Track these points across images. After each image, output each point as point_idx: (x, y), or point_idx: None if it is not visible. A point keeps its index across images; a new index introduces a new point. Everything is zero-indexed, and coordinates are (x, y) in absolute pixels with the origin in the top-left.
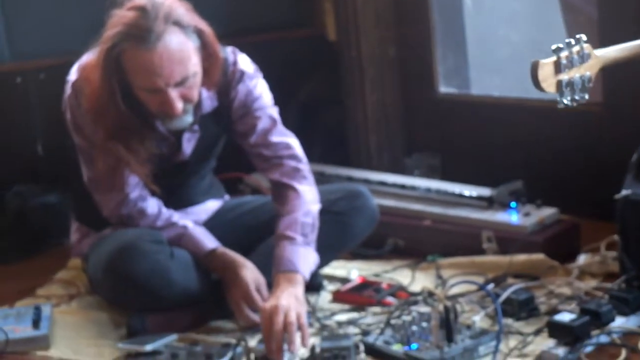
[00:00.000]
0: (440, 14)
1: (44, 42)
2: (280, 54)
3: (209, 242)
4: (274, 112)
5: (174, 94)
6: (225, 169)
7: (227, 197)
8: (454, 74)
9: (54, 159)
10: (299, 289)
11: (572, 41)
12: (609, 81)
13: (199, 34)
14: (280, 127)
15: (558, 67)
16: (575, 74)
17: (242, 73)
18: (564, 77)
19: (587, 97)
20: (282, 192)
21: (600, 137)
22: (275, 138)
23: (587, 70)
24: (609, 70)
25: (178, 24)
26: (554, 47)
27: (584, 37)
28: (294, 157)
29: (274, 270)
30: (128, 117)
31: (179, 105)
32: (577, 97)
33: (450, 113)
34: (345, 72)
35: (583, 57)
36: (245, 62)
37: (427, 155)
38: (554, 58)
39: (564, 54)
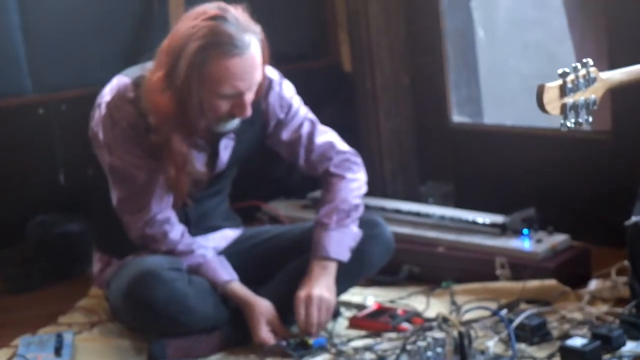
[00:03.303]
0: (453, 45)
1: (66, 75)
2: (296, 84)
3: (225, 274)
4: (308, 112)
5: (248, 97)
6: (243, 198)
7: (243, 228)
8: (467, 103)
9: (76, 189)
10: (330, 278)
11: (579, 65)
12: (618, 109)
13: (261, 41)
14: (319, 125)
15: (563, 91)
16: (580, 97)
17: (270, 81)
18: (569, 100)
19: (591, 119)
20: (329, 181)
21: (609, 165)
22: (318, 139)
23: (593, 94)
24: (617, 99)
25: (253, 31)
26: (560, 71)
27: (590, 61)
28: (339, 152)
29: (310, 255)
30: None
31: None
32: (580, 120)
33: (463, 142)
34: (360, 101)
35: (589, 81)
36: (269, 70)
37: (441, 183)
38: (560, 82)
39: (570, 77)
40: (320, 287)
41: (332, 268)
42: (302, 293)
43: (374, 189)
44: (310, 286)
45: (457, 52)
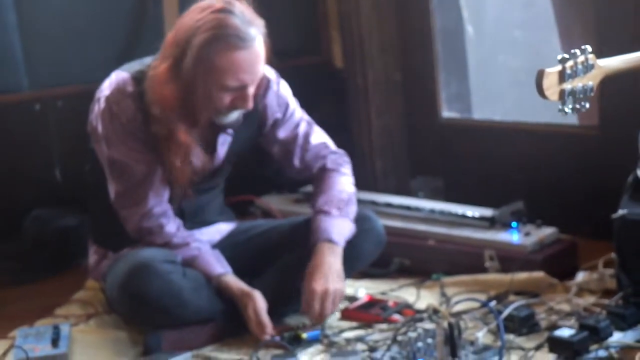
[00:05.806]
0: (443, 42)
1: (62, 71)
2: (288, 81)
3: (219, 267)
4: (304, 113)
5: (251, 90)
6: (236, 192)
7: (236, 222)
8: (457, 99)
9: (72, 183)
10: (340, 263)
11: (578, 52)
12: (605, 104)
13: (264, 35)
14: (314, 126)
15: (562, 77)
16: (578, 83)
17: (268, 80)
18: (567, 86)
19: (588, 105)
20: (324, 175)
21: (597, 159)
22: (314, 140)
23: (590, 80)
24: (604, 93)
25: (258, 25)
26: (559, 57)
27: (589, 48)
28: (333, 152)
29: (312, 240)
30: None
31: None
32: (577, 106)
33: (453, 137)
34: (352, 98)
35: (587, 67)
36: (267, 69)
37: (431, 178)
38: (559, 67)
39: (569, 63)
40: (337, 279)
41: (340, 251)
42: (318, 287)
43: (365, 184)
44: (326, 279)
45: (447, 49)
